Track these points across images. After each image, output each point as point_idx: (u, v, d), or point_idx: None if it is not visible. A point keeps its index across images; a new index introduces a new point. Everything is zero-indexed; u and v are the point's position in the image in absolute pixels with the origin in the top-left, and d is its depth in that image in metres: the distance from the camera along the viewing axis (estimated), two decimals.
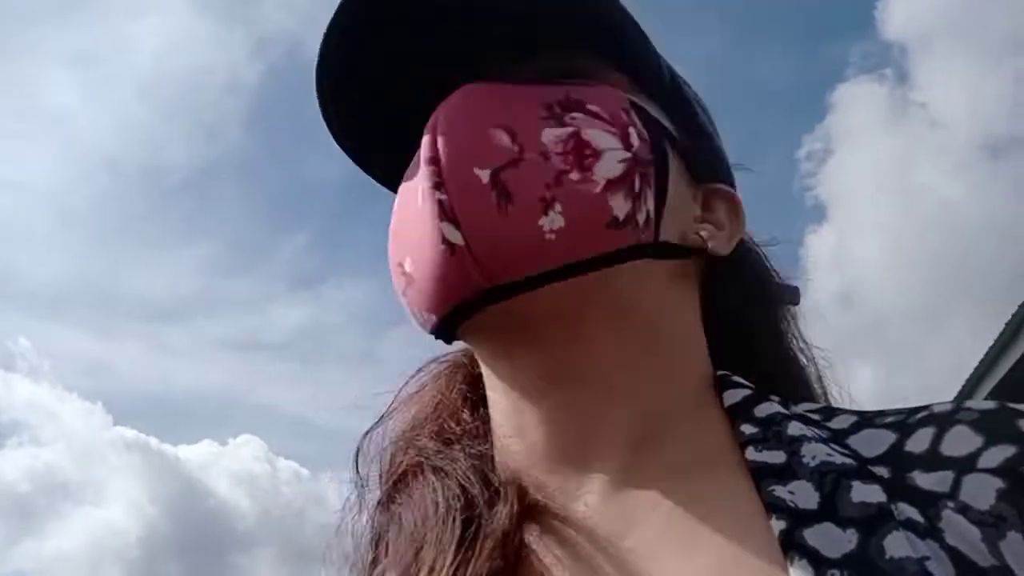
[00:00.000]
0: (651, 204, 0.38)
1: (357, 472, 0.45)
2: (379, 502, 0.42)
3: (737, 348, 0.45)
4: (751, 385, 0.40)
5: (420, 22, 0.41)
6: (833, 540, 0.30)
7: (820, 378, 0.48)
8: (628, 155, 0.37)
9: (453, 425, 0.44)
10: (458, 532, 0.35)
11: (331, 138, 0.43)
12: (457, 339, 0.40)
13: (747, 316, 0.46)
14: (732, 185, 0.47)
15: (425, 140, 0.37)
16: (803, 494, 0.32)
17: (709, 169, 0.45)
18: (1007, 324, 3.53)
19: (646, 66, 0.43)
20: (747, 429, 0.36)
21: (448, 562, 0.34)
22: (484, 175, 0.35)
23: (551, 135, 0.36)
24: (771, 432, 0.35)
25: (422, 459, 0.41)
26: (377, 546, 0.41)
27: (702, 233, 0.42)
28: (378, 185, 0.46)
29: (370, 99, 0.43)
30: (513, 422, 0.40)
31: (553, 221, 0.35)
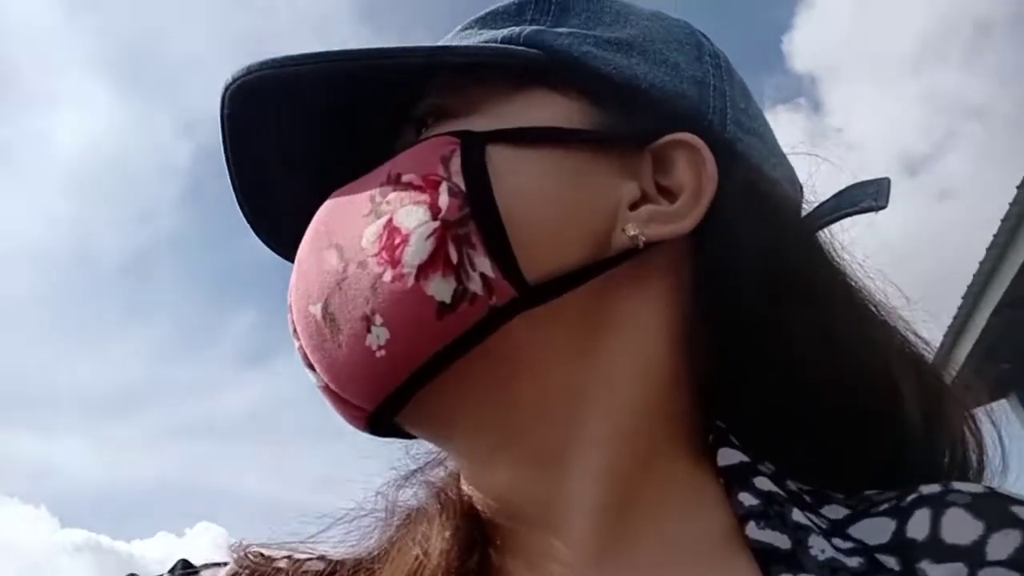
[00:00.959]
0: (486, 263, 0.31)
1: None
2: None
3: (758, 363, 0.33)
4: (744, 450, 0.33)
5: (294, 127, 0.38)
6: None
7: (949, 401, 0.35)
8: (435, 224, 0.31)
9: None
10: (411, 556, 0.32)
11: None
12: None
13: (760, 299, 0.33)
14: (703, 115, 0.36)
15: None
16: None
17: (651, 125, 0.35)
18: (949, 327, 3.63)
19: (502, 56, 0.35)
20: (746, 500, 0.31)
21: None
22: (317, 310, 0.33)
23: (369, 235, 0.32)
24: (773, 510, 0.30)
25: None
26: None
27: (628, 228, 0.33)
28: None
29: (277, 206, 0.40)
30: (472, 482, 0.36)
31: (378, 336, 0.32)
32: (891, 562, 0.29)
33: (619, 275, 0.33)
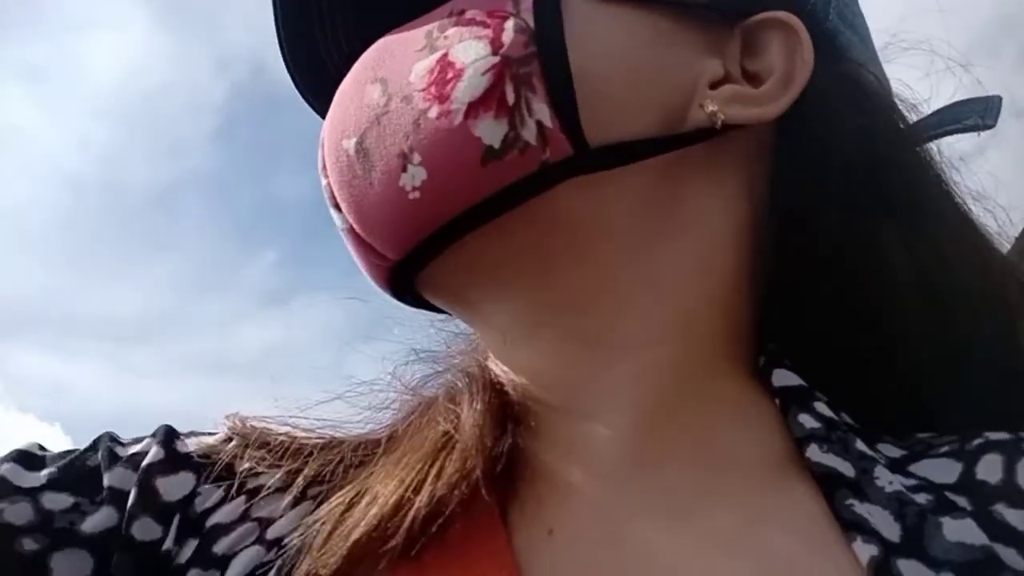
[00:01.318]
0: (545, 110, 0.28)
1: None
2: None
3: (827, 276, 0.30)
4: (799, 377, 0.30)
5: None
6: None
7: None
8: (495, 60, 0.28)
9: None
10: (439, 434, 0.30)
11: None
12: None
13: (837, 220, 0.30)
14: (799, 4, 0.32)
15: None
16: (881, 520, 0.25)
17: (739, 5, 0.32)
18: None
19: None
20: (807, 421, 0.28)
21: (418, 463, 0.29)
22: (351, 145, 0.30)
23: (419, 69, 0.29)
24: (836, 435, 0.28)
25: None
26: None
27: (707, 104, 0.29)
28: None
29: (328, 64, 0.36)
30: (502, 362, 0.33)
31: (414, 176, 0.29)
32: (962, 501, 0.26)
33: (690, 158, 0.30)
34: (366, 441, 0.32)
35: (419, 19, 0.32)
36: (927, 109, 0.35)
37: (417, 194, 0.29)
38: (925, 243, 0.30)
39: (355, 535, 0.26)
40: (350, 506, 0.28)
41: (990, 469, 0.27)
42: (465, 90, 0.28)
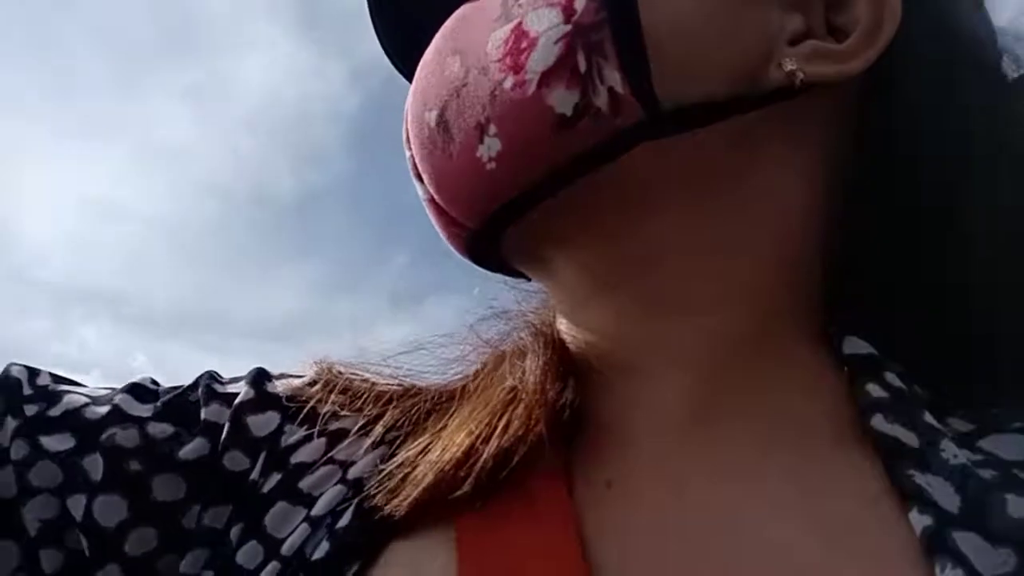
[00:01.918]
0: (616, 76, 0.28)
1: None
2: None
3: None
4: (871, 346, 0.29)
5: None
6: (985, 555, 0.23)
7: None
8: (567, 28, 0.28)
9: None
10: (504, 388, 0.31)
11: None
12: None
13: (923, 188, 0.29)
14: None
15: None
16: (941, 492, 0.25)
17: None
18: None
19: None
20: (874, 391, 0.28)
21: (482, 415, 0.30)
22: (432, 117, 0.31)
23: (495, 40, 0.29)
24: (903, 405, 0.27)
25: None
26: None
27: (785, 63, 0.28)
28: None
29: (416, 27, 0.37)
30: (570, 320, 0.34)
31: (490, 147, 0.29)
32: None
33: (769, 119, 0.29)
34: (443, 391, 0.34)
35: None
36: None
37: (493, 164, 0.29)
38: (1017, 217, 0.29)
39: (425, 482, 0.28)
40: (423, 453, 0.29)
41: None
42: (538, 59, 0.28)
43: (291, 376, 0.36)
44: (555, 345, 0.32)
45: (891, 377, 0.28)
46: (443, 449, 0.29)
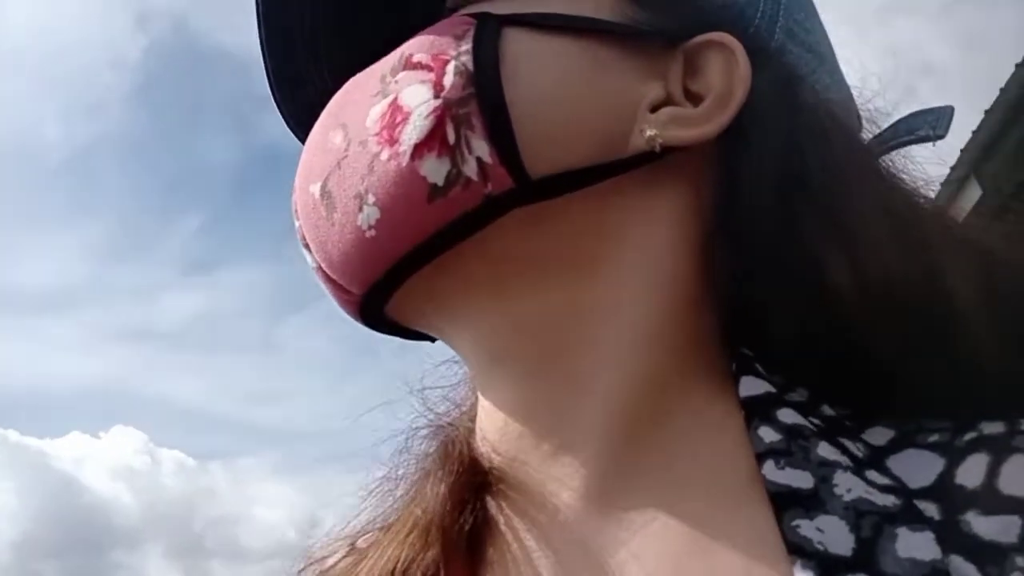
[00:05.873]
0: (484, 146, 0.30)
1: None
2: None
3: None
4: (773, 381, 0.30)
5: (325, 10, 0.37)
6: None
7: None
8: (437, 103, 0.30)
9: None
10: (415, 512, 0.33)
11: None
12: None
13: (786, 231, 0.30)
14: (748, 17, 0.34)
15: None
16: (834, 535, 0.25)
17: (688, 23, 0.33)
18: None
19: None
20: (767, 435, 0.28)
21: (392, 545, 0.32)
22: (316, 188, 0.33)
23: (373, 115, 0.31)
24: (796, 445, 0.28)
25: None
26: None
27: (645, 129, 0.30)
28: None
29: (303, 89, 0.39)
30: (482, 404, 0.35)
31: (369, 216, 0.31)
32: (931, 509, 0.26)
33: (634, 182, 0.31)
34: (379, 531, 0.36)
35: (376, 64, 0.34)
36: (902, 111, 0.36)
37: (373, 232, 0.31)
38: (863, 247, 0.30)
39: None
40: None
41: (971, 472, 0.26)
42: (411, 132, 0.30)
43: None
44: (460, 459, 0.34)
45: (785, 414, 0.29)
46: None
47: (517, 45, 0.31)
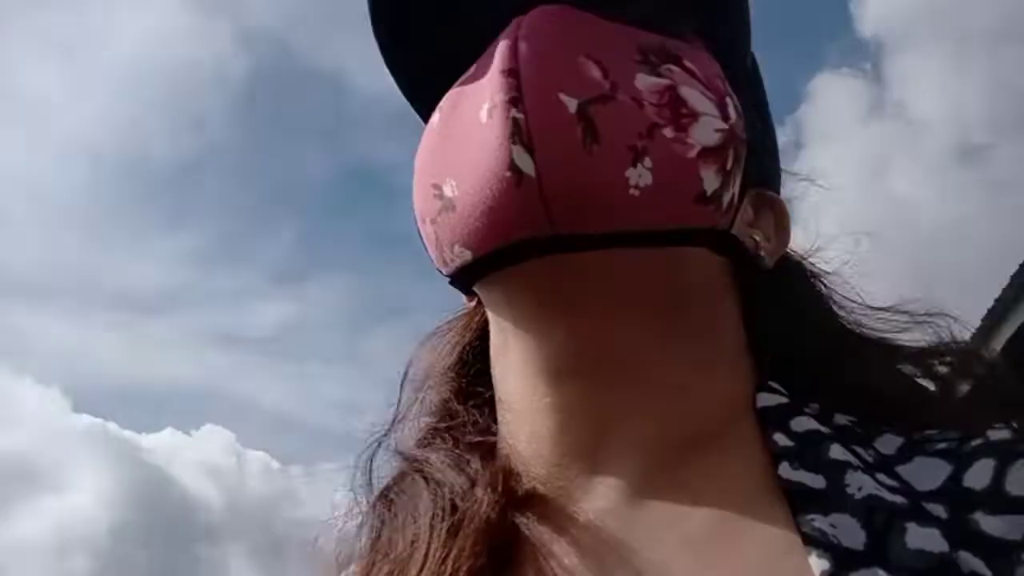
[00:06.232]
0: (737, 187, 0.34)
1: (365, 473, 0.40)
2: (374, 502, 0.38)
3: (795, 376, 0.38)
4: (787, 394, 0.35)
5: None
6: None
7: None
8: (726, 127, 0.33)
9: (457, 407, 0.40)
10: (446, 523, 0.33)
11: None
12: (475, 288, 0.36)
13: (797, 342, 0.38)
14: (778, 192, 0.42)
15: (501, 48, 0.32)
16: (847, 530, 0.27)
17: (765, 173, 0.40)
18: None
19: (736, 45, 0.38)
20: (780, 440, 0.32)
21: (434, 552, 0.32)
22: (571, 104, 0.30)
23: (646, 81, 0.32)
24: (808, 450, 0.31)
25: (418, 457, 0.38)
26: (373, 544, 0.36)
27: (756, 237, 0.37)
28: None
29: (432, 9, 0.38)
30: (521, 405, 0.36)
31: (641, 176, 0.30)
32: (938, 510, 0.28)
33: (731, 265, 0.37)
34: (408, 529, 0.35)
35: (615, 25, 0.34)
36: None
37: (637, 192, 0.31)
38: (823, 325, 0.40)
39: None
40: None
41: (979, 475, 0.29)
42: (701, 134, 0.32)
43: None
44: (497, 470, 0.35)
45: (798, 423, 0.33)
46: None
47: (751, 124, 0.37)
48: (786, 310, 0.39)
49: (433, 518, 0.33)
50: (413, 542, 0.33)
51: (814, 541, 0.27)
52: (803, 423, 0.32)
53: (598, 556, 0.31)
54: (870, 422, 0.33)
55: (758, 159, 0.38)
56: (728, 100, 0.34)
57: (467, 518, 0.32)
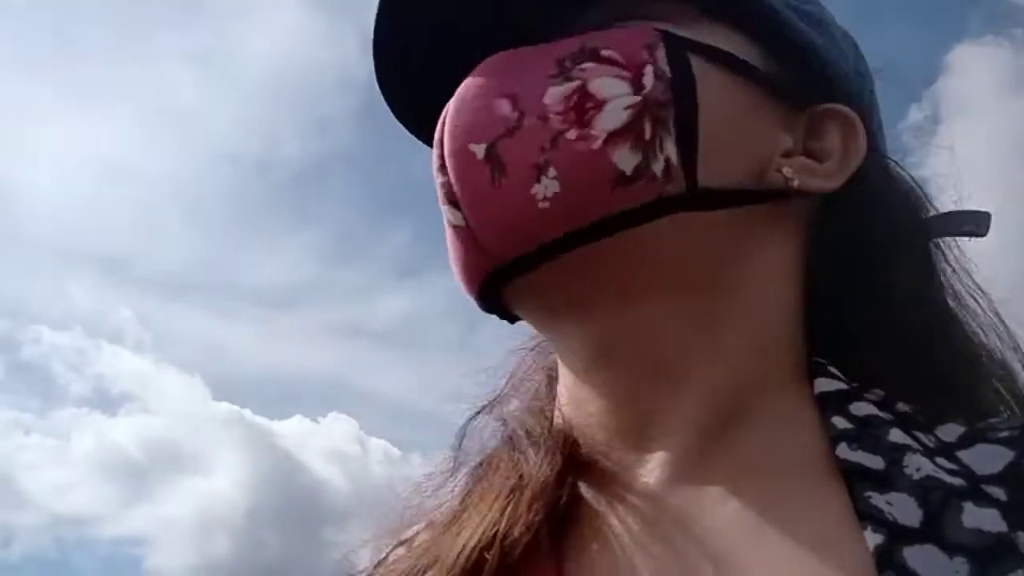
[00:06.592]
0: (672, 149, 0.32)
1: (462, 438, 0.43)
2: (473, 465, 0.40)
3: (861, 324, 0.36)
4: (848, 381, 0.34)
5: None
6: (937, 567, 0.25)
7: (1010, 372, 0.36)
8: (637, 99, 0.32)
9: (535, 400, 0.42)
10: (507, 485, 0.34)
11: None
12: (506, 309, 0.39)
13: (873, 274, 0.36)
14: (857, 100, 0.38)
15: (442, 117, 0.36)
16: (903, 508, 0.27)
17: (815, 91, 0.37)
18: None
19: None
20: (840, 423, 0.31)
21: (488, 513, 0.33)
22: (480, 150, 0.33)
23: (554, 94, 0.33)
24: (867, 433, 0.31)
25: (510, 426, 0.40)
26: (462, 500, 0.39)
27: (785, 170, 0.34)
28: None
29: (423, 76, 0.40)
30: (572, 395, 0.37)
31: (547, 187, 0.32)
32: (997, 492, 0.28)
33: (761, 214, 0.35)
34: (461, 492, 0.38)
35: (537, 48, 0.35)
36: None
37: (547, 204, 0.32)
38: (915, 293, 0.37)
39: None
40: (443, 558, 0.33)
41: None
42: (606, 120, 0.32)
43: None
44: (557, 440, 0.36)
45: (857, 407, 0.32)
46: (455, 554, 0.33)
47: (699, 67, 0.34)
48: (861, 226, 0.37)
49: (505, 479, 0.35)
50: (480, 500, 0.35)
51: (869, 517, 0.27)
52: (863, 408, 0.32)
53: (654, 521, 0.32)
54: (934, 411, 0.33)
55: (802, 82, 0.37)
56: (648, 68, 0.33)
57: (528, 480, 0.34)
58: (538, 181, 0.32)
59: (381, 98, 0.41)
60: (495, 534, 0.32)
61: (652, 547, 0.31)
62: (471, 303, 0.37)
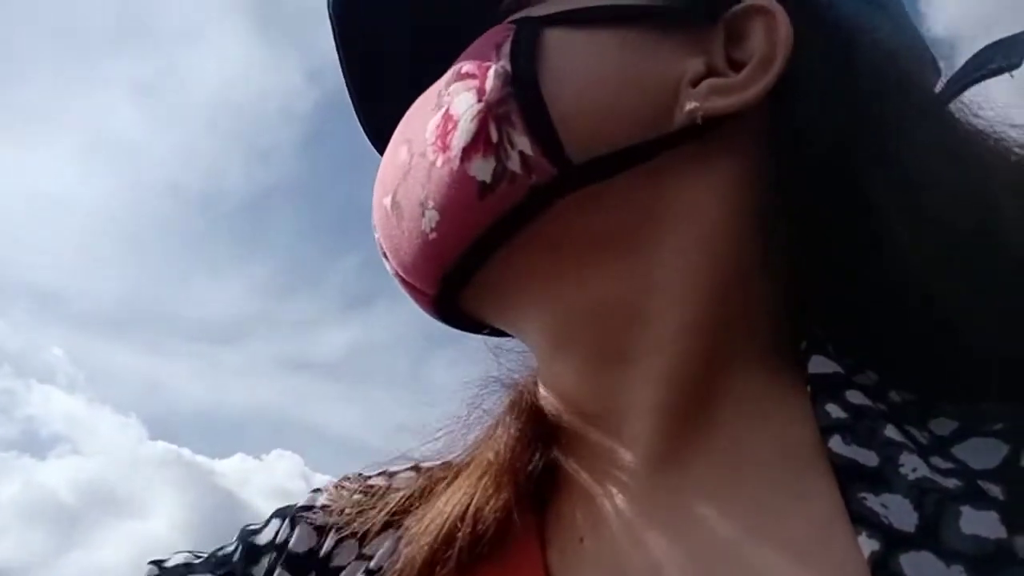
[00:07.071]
0: (524, 140, 0.31)
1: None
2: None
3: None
4: (843, 363, 0.30)
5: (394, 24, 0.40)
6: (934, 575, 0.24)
7: None
8: (480, 106, 0.32)
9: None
10: (485, 458, 0.34)
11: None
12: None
13: (855, 176, 0.30)
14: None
15: None
16: (898, 511, 0.25)
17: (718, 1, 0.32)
18: None
19: None
20: (833, 411, 0.28)
21: (465, 486, 0.34)
22: (388, 201, 0.35)
23: (430, 126, 0.33)
24: (862, 425, 0.28)
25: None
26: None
27: (686, 105, 0.30)
28: None
29: (388, 100, 0.40)
30: (546, 385, 0.36)
31: (430, 220, 0.33)
32: (994, 490, 0.26)
33: (683, 158, 0.31)
34: (449, 465, 0.37)
35: (438, 80, 0.35)
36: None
37: (435, 234, 0.33)
38: (924, 212, 0.29)
39: (418, 562, 0.32)
40: (422, 531, 0.33)
41: None
42: (460, 137, 0.32)
43: (308, 509, 0.39)
44: (528, 412, 0.35)
45: (853, 395, 0.29)
46: (432, 526, 0.32)
47: (554, 42, 0.32)
48: (817, 111, 0.30)
49: (488, 452, 0.35)
50: (470, 471, 0.35)
51: (863, 520, 0.25)
52: (857, 397, 0.29)
53: (636, 502, 0.31)
54: (928, 400, 0.30)
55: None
56: (491, 70, 0.32)
57: (500, 457, 0.34)
58: (423, 216, 0.33)
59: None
60: (466, 510, 0.32)
61: (640, 533, 0.30)
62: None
